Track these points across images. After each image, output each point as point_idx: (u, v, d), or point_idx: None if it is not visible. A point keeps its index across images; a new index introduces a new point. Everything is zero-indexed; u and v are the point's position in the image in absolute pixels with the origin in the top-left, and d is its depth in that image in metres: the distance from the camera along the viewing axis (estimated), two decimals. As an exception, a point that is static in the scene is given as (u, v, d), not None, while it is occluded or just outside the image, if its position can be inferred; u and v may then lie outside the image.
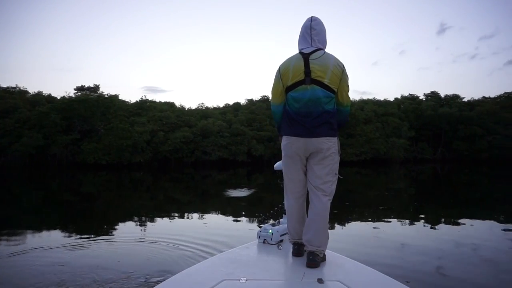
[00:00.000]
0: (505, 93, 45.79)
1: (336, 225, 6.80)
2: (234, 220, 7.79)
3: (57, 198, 12.60)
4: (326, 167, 2.40)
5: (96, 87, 38.88)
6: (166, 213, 8.87)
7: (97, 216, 8.89)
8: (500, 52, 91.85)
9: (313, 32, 2.46)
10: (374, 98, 44.57)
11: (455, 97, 46.46)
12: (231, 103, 45.12)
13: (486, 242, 5.72)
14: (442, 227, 7.08)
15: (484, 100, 45.28)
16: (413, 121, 40.88)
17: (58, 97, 35.97)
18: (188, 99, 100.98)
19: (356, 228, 6.91)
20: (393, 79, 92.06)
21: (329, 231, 2.45)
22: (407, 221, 7.68)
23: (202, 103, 48.30)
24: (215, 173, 24.79)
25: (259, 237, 2.76)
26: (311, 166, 2.43)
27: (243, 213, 8.32)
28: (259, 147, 34.60)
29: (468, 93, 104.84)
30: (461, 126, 39.89)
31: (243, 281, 1.98)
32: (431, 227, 7.12)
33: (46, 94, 37.71)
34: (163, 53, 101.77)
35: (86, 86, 38.71)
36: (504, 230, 6.73)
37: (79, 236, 6.11)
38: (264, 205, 9.94)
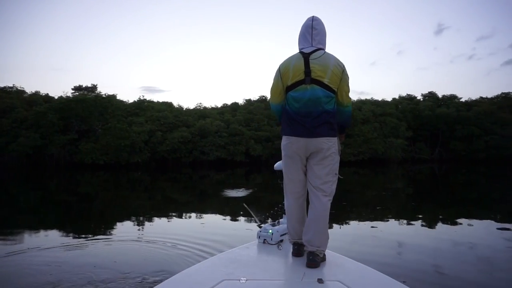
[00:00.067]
0: (502, 93, 46.04)
1: (334, 224, 6.80)
2: (231, 220, 7.79)
3: (55, 198, 12.56)
4: (326, 167, 2.40)
5: (94, 87, 38.84)
6: (164, 213, 8.86)
7: (94, 216, 8.87)
8: (497, 53, 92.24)
9: (314, 31, 2.46)
10: (372, 98, 44.69)
11: (453, 97, 46.59)
12: (229, 103, 45.14)
13: (483, 241, 5.76)
14: (439, 227, 7.11)
15: (481, 100, 45.42)
16: (410, 121, 40.97)
17: (56, 97, 35.91)
18: (186, 99, 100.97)
19: (354, 228, 6.92)
20: (391, 79, 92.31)
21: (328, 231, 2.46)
22: (405, 220, 7.70)
23: (200, 103, 48.29)
24: (213, 173, 24.78)
25: (259, 237, 2.76)
26: (311, 166, 2.43)
27: (241, 213, 8.32)
28: (257, 147, 34.60)
29: (466, 94, 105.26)
30: (458, 126, 40.02)
31: (243, 281, 1.98)
32: (428, 227, 7.15)
33: (44, 94, 37.63)
34: (161, 53, 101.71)
35: (83, 86, 38.66)
36: (501, 229, 6.77)
37: (76, 236, 6.09)
38: (263, 205, 9.94)
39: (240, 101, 44.80)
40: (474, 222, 7.58)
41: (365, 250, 5.19)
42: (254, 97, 44.94)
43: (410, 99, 46.86)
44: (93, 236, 6.03)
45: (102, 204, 11.14)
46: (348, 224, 7.22)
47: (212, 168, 29.33)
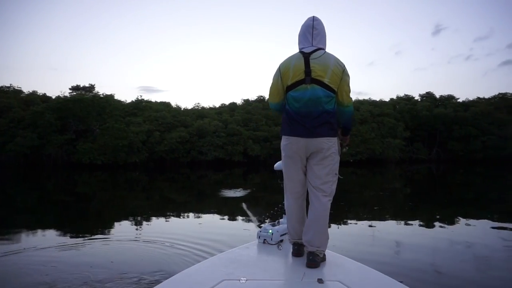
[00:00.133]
0: (499, 93, 46.16)
1: (332, 224, 6.82)
2: (229, 220, 7.79)
3: (52, 198, 12.52)
4: (326, 167, 2.40)
5: (92, 87, 38.72)
6: (161, 213, 8.85)
7: (92, 216, 8.85)
8: (494, 53, 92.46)
9: (314, 31, 2.46)
10: (369, 98, 44.74)
11: (450, 97, 46.69)
12: (227, 103, 45.07)
13: (480, 240, 5.81)
14: (437, 226, 7.14)
15: (479, 101, 45.55)
16: (408, 122, 41.06)
17: (53, 97, 35.75)
18: (184, 99, 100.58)
19: (352, 227, 6.94)
20: (389, 80, 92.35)
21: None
22: (403, 220, 7.73)
23: (198, 103, 48.18)
24: (211, 173, 24.76)
25: (259, 237, 2.76)
26: (311, 166, 2.43)
27: (239, 213, 8.32)
28: (255, 147, 34.59)
29: (463, 94, 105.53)
30: (456, 126, 40.14)
31: (243, 281, 1.98)
32: (426, 227, 7.19)
33: (41, 94, 37.43)
34: (159, 53, 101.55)
35: (81, 86, 38.53)
36: (498, 228, 6.84)
37: (73, 236, 6.07)
38: (261, 205, 9.94)
39: (238, 101, 44.80)
40: (471, 222, 7.62)
41: (363, 249, 5.22)
42: (252, 97, 45.01)
43: (407, 99, 46.95)
44: (91, 236, 6.02)
45: (100, 204, 11.11)
46: (346, 224, 7.23)
47: (210, 168, 29.31)
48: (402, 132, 38.98)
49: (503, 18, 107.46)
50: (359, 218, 7.94)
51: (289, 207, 2.57)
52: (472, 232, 6.55)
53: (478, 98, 46.79)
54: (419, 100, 46.99)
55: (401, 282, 2.07)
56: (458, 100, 46.26)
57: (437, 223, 7.44)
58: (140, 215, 8.42)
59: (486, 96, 47.03)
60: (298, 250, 2.50)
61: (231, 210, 9.05)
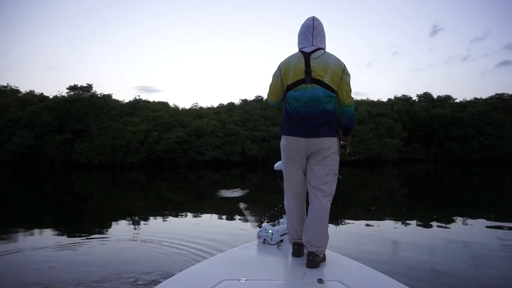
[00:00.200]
0: (496, 94, 46.34)
1: (329, 224, 6.83)
2: (227, 220, 7.79)
3: (49, 198, 12.48)
4: (326, 167, 2.40)
5: (89, 87, 38.58)
6: (159, 213, 8.83)
7: (89, 216, 8.83)
8: (491, 54, 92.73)
9: (314, 31, 2.46)
10: (367, 98, 44.78)
11: (448, 98, 46.81)
12: (225, 103, 45.03)
13: (477, 240, 5.86)
14: (434, 226, 7.19)
15: (476, 101, 45.69)
16: (406, 122, 41.14)
17: (51, 97, 35.59)
18: (182, 99, 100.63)
19: (349, 227, 6.96)
20: (387, 80, 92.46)
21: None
22: (400, 220, 7.76)
23: (196, 103, 48.21)
24: (209, 173, 24.74)
25: (259, 237, 2.76)
26: (311, 166, 2.43)
27: (237, 213, 8.32)
28: (253, 147, 34.58)
29: (460, 94, 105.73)
30: (453, 127, 40.25)
31: (243, 281, 1.98)
32: (423, 226, 7.22)
33: (38, 93, 37.23)
34: (157, 53, 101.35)
35: (79, 86, 38.38)
36: (494, 228, 6.90)
37: (70, 236, 6.05)
38: (259, 206, 9.94)
39: (236, 101, 44.75)
40: (468, 221, 7.66)
41: (362, 248, 5.25)
42: (250, 97, 44.95)
43: (405, 99, 47.03)
44: (88, 236, 6.00)
45: (97, 204, 11.09)
46: (344, 223, 7.24)
47: (208, 168, 29.29)
48: (399, 132, 39.05)
49: (500, 19, 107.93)
50: (357, 218, 7.95)
51: (289, 207, 2.57)
52: (469, 232, 6.61)
53: (475, 98, 46.97)
54: (416, 100, 47.08)
55: (399, 281, 2.07)
56: (456, 101, 46.42)
57: (434, 223, 7.47)
58: (137, 215, 8.40)
59: (483, 97, 47.28)
60: (298, 250, 2.50)
61: (228, 210, 9.05)
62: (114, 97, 38.01)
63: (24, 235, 6.30)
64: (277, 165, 2.77)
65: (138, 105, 38.16)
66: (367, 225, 7.12)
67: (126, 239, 5.76)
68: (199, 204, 11.07)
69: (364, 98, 44.89)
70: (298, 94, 2.37)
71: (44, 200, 11.79)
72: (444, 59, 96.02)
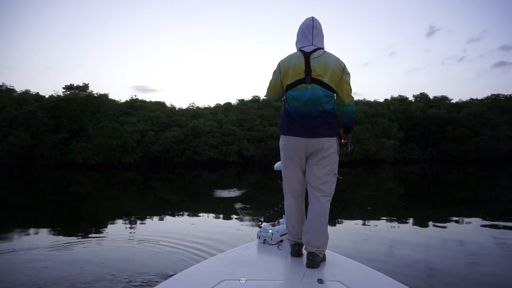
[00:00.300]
0: (492, 95, 46.66)
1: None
2: (224, 220, 7.78)
3: (45, 198, 12.41)
4: (325, 167, 2.40)
5: (86, 86, 38.40)
6: (155, 213, 8.79)
7: (85, 216, 8.79)
8: (487, 55, 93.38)
9: (314, 31, 2.46)
10: (364, 99, 44.87)
11: (444, 98, 47.05)
12: (222, 103, 44.99)
13: (472, 239, 5.91)
14: (430, 225, 7.24)
15: (472, 102, 45.96)
16: (402, 122, 41.29)
17: (46, 96, 35.43)
18: (178, 99, 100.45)
19: (346, 226, 6.99)
20: (383, 80, 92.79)
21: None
22: (397, 220, 7.78)
23: (193, 103, 48.10)
24: (205, 173, 24.71)
25: (259, 237, 2.75)
26: (310, 166, 2.43)
27: (234, 213, 8.32)
28: (250, 147, 34.58)
29: (456, 95, 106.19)
30: (449, 127, 40.45)
31: (243, 281, 1.97)
32: (419, 226, 7.27)
33: (34, 93, 37.00)
34: (154, 53, 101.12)
35: (75, 85, 38.18)
36: (489, 227, 6.96)
37: (66, 237, 6.00)
38: (256, 206, 9.94)
39: (233, 101, 44.74)
40: (464, 220, 7.72)
41: (359, 247, 5.27)
42: (247, 97, 44.95)
43: (402, 100, 47.21)
44: (83, 237, 5.95)
45: (94, 204, 11.04)
46: (341, 223, 7.27)
47: (205, 168, 29.25)
48: (396, 133, 39.19)
49: (496, 20, 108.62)
50: (354, 217, 7.97)
51: (289, 207, 2.57)
52: (464, 231, 6.67)
53: (471, 99, 47.27)
54: (413, 101, 47.29)
55: (398, 281, 2.08)
56: (452, 101, 46.67)
57: (430, 222, 7.53)
58: (134, 215, 8.37)
59: (479, 97, 47.58)
60: (297, 250, 2.50)
61: (225, 210, 9.04)
62: (110, 96, 37.96)
63: (19, 235, 6.26)
64: (277, 165, 2.77)
65: (134, 105, 38.05)
66: (364, 224, 7.15)
67: (122, 239, 5.73)
68: (196, 204, 11.05)
69: (360, 98, 44.92)
70: (298, 94, 2.37)
71: (40, 200, 11.72)
72: (440, 60, 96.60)
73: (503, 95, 45.98)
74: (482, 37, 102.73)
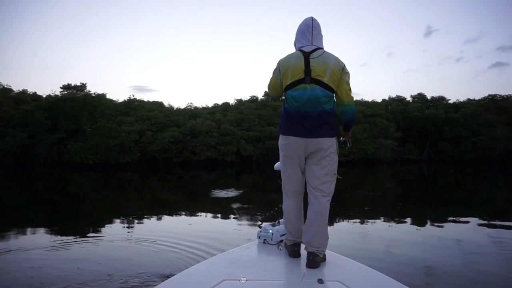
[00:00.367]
0: (489, 95, 46.81)
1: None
2: (221, 220, 7.78)
3: (42, 198, 12.37)
4: (325, 167, 2.40)
5: (83, 86, 38.30)
6: (153, 213, 8.78)
7: (82, 216, 8.76)
8: (484, 56, 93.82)
9: (314, 31, 2.46)
10: (362, 99, 45.00)
11: (441, 99, 47.20)
12: (220, 103, 44.96)
13: (469, 237, 5.96)
14: (427, 225, 7.29)
15: (469, 102, 46.13)
16: (400, 122, 41.39)
17: (44, 96, 35.30)
18: (176, 98, 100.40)
19: (343, 226, 7.00)
20: (381, 81, 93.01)
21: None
22: (394, 220, 7.81)
23: (191, 103, 47.99)
24: (203, 173, 24.68)
25: (259, 237, 2.75)
26: (310, 166, 2.43)
27: (231, 213, 8.31)
28: (248, 147, 34.57)
29: (454, 95, 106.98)
30: (446, 127, 40.57)
31: (243, 281, 1.97)
32: (417, 225, 7.29)
33: (31, 93, 36.87)
34: (152, 53, 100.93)
35: (72, 85, 38.08)
36: (486, 227, 7.01)
37: (63, 237, 5.96)
38: (255, 206, 9.94)
39: (231, 101, 44.71)
40: (461, 220, 7.75)
41: (356, 247, 5.30)
42: (245, 97, 44.98)
43: (399, 100, 47.34)
44: (80, 237, 5.92)
45: (91, 204, 11.02)
46: (339, 222, 7.28)
47: (203, 168, 29.22)
48: (394, 133, 39.28)
49: (493, 21, 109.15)
50: (351, 217, 7.98)
51: (288, 207, 2.56)
52: (461, 230, 6.72)
53: (469, 99, 47.43)
54: (410, 101, 47.43)
55: (398, 281, 2.08)
56: (449, 101, 46.84)
57: (428, 222, 7.57)
58: (131, 215, 8.34)
59: (476, 98, 47.74)
60: (296, 251, 2.50)
61: (223, 210, 9.03)
62: (108, 96, 37.85)
63: (16, 235, 6.23)
64: (277, 165, 2.77)
65: (132, 104, 37.97)
66: (361, 224, 7.17)
67: (119, 238, 5.72)
68: (193, 204, 11.04)
69: (358, 98, 45.05)
70: (297, 94, 2.37)
71: (37, 200, 11.68)
72: (437, 60, 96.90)
73: (500, 95, 46.19)
74: (479, 38, 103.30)
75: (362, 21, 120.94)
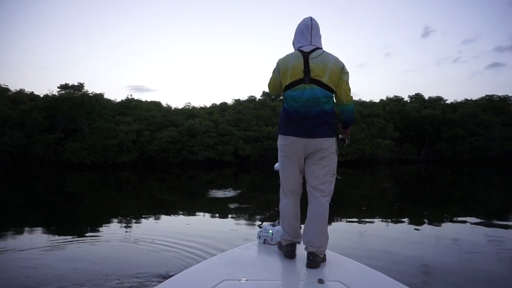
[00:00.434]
0: (486, 95, 46.97)
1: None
2: (220, 220, 7.77)
3: (40, 197, 12.33)
4: (324, 167, 2.40)
5: (81, 86, 38.13)
6: (151, 213, 8.76)
7: (80, 216, 8.73)
8: (481, 56, 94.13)
9: (313, 31, 2.46)
10: (360, 99, 45.03)
11: (439, 99, 47.34)
12: (218, 103, 44.91)
13: (465, 237, 6.00)
14: (425, 225, 7.31)
15: (466, 103, 46.28)
16: (398, 122, 41.49)
17: (41, 95, 35.17)
18: (174, 98, 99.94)
19: (342, 226, 7.00)
20: (379, 81, 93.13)
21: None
22: (392, 219, 7.84)
23: (189, 103, 47.86)
24: (201, 173, 24.66)
25: (259, 237, 2.75)
26: (309, 166, 2.43)
27: (229, 213, 8.31)
28: (246, 147, 34.57)
29: (451, 96, 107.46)
30: (444, 127, 40.69)
31: (244, 281, 1.97)
32: (414, 225, 7.32)
33: (29, 92, 36.70)
34: (150, 53, 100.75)
35: (70, 85, 37.91)
36: (483, 226, 7.05)
37: (60, 237, 5.94)
38: (253, 206, 9.94)
39: (229, 101, 44.69)
40: (459, 219, 7.79)
41: (355, 246, 5.33)
42: (243, 97, 44.94)
43: (397, 100, 47.45)
44: (78, 237, 5.90)
45: (89, 204, 10.99)
46: (337, 222, 7.29)
47: (201, 168, 29.20)
48: (391, 133, 39.37)
49: (490, 21, 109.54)
50: (349, 217, 7.99)
51: (287, 206, 2.55)
52: (458, 229, 6.76)
53: (466, 99, 47.57)
54: (408, 101, 47.55)
55: (398, 281, 2.09)
56: (446, 102, 46.99)
57: (425, 222, 7.60)
58: (129, 215, 8.33)
59: (474, 98, 47.86)
60: (292, 251, 2.48)
61: (220, 210, 9.03)
62: (106, 96, 37.73)
63: (13, 235, 6.20)
64: (277, 166, 2.78)
65: (130, 104, 37.89)
66: (359, 224, 7.18)
67: (116, 238, 5.70)
68: (191, 204, 11.03)
69: (356, 98, 45.06)
70: (297, 94, 2.36)
71: (34, 200, 11.64)
72: (435, 61, 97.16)
73: (497, 95, 46.36)
74: (477, 38, 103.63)
75: (360, 22, 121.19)
